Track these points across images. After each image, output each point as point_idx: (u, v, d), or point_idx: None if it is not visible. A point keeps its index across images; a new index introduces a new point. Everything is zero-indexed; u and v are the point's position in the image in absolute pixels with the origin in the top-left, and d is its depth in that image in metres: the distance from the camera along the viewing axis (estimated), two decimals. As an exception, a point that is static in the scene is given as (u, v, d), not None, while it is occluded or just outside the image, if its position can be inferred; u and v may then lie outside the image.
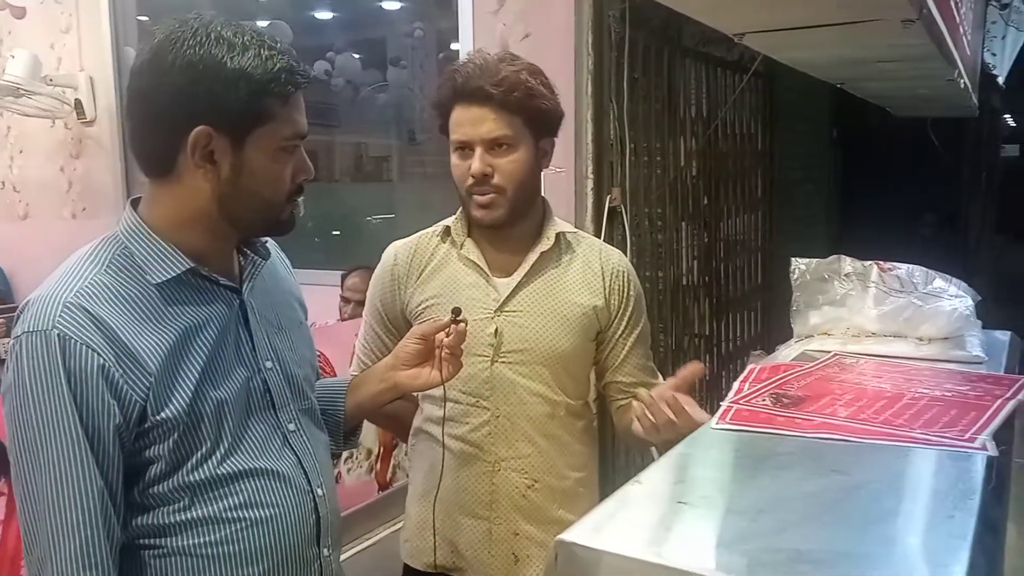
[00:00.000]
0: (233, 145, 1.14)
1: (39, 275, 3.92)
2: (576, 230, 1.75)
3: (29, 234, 4.19)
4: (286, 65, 1.15)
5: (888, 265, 1.36)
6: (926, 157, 4.69)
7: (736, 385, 1.06)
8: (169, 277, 1.16)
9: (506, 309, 1.62)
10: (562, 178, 2.93)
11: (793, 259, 1.45)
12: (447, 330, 1.43)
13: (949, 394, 1.01)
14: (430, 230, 1.72)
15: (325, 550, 1.31)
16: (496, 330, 1.61)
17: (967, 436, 0.86)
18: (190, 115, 1.11)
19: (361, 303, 3.21)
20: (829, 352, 1.23)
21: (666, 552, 0.64)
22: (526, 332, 1.61)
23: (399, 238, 1.76)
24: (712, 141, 3.70)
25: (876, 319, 1.30)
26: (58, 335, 1.06)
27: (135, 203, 1.23)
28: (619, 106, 2.99)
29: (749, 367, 1.14)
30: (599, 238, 2.93)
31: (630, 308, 1.71)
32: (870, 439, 0.87)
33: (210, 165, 1.14)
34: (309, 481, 1.28)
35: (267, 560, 1.21)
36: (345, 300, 3.25)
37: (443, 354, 1.43)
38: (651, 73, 3.20)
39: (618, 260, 1.72)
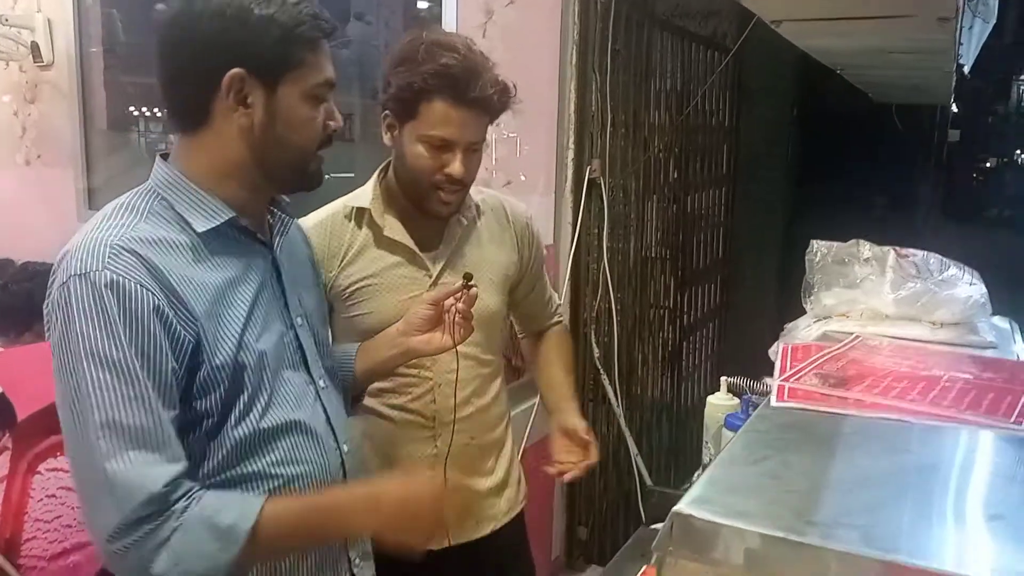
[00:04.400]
0: (266, 89, 1.15)
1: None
2: (481, 189, 1.77)
3: (-21, 180, 4.03)
4: (312, 12, 1.17)
5: (904, 251, 1.42)
6: (882, 139, 4.84)
7: (777, 364, 1.11)
8: (213, 226, 1.15)
9: (440, 282, 1.63)
10: (543, 149, 2.94)
11: (814, 241, 1.50)
12: (458, 295, 1.45)
13: (979, 379, 1.07)
14: (337, 209, 1.68)
15: None
16: None
17: (1013, 419, 0.92)
18: (223, 59, 1.12)
19: None
20: (851, 334, 1.29)
21: (779, 524, 0.68)
22: None
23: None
24: (684, 116, 3.75)
25: (893, 303, 1.36)
26: (110, 275, 1.04)
27: (164, 157, 1.21)
28: (601, 78, 3.01)
29: (781, 345, 1.18)
30: (578, 209, 2.98)
31: (536, 255, 1.80)
32: (926, 420, 0.92)
33: (244, 109, 1.14)
34: (336, 438, 1.30)
35: None
36: None
37: (456, 319, 1.46)
38: (631, 45, 3.22)
39: (523, 211, 1.80)
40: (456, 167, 1.53)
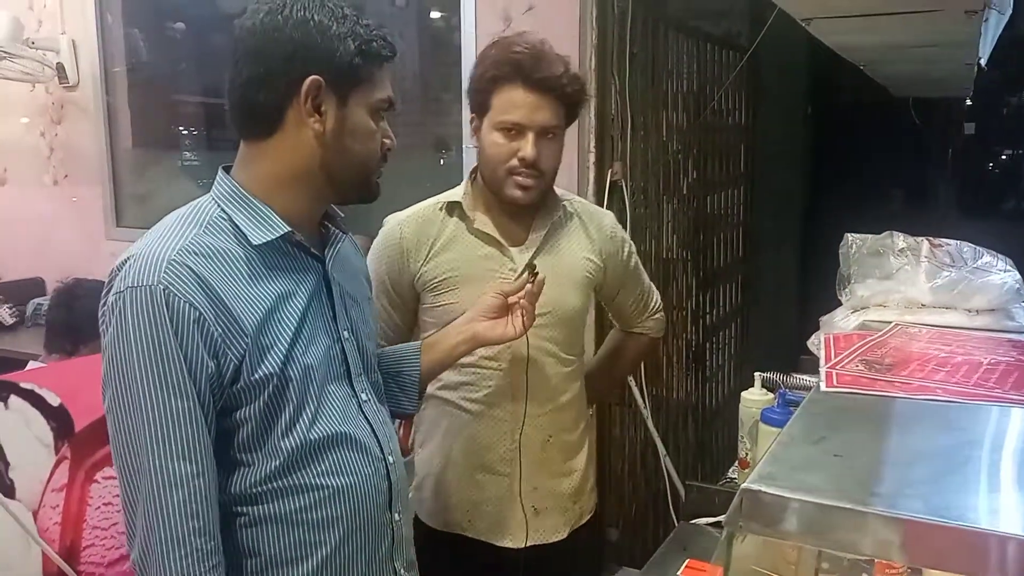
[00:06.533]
0: (339, 100, 1.20)
1: (18, 241, 3.85)
2: (570, 195, 1.85)
3: (7, 200, 4.10)
4: (380, 33, 1.23)
5: (938, 241, 1.45)
6: (897, 134, 4.85)
7: (822, 352, 1.14)
8: (269, 239, 1.19)
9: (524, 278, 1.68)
10: (565, 152, 2.97)
11: (847, 234, 1.54)
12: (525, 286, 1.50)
13: (1020, 360, 1.10)
14: (431, 204, 1.76)
15: (396, 515, 1.35)
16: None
17: (1057, 397, 0.95)
18: (303, 66, 1.17)
19: None
20: (890, 322, 1.32)
21: (846, 496, 0.71)
22: (545, 297, 1.67)
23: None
24: (702, 117, 3.78)
25: (929, 292, 1.40)
26: (163, 290, 1.08)
27: (226, 169, 1.26)
28: (620, 81, 3.04)
29: (824, 335, 1.22)
30: (600, 212, 3.01)
31: (620, 263, 1.84)
32: (974, 401, 0.95)
33: (318, 116, 1.19)
34: (381, 448, 1.32)
35: (344, 526, 1.24)
36: None
37: (523, 306, 1.50)
38: (649, 48, 3.25)
39: (609, 221, 1.85)
40: (528, 150, 1.58)
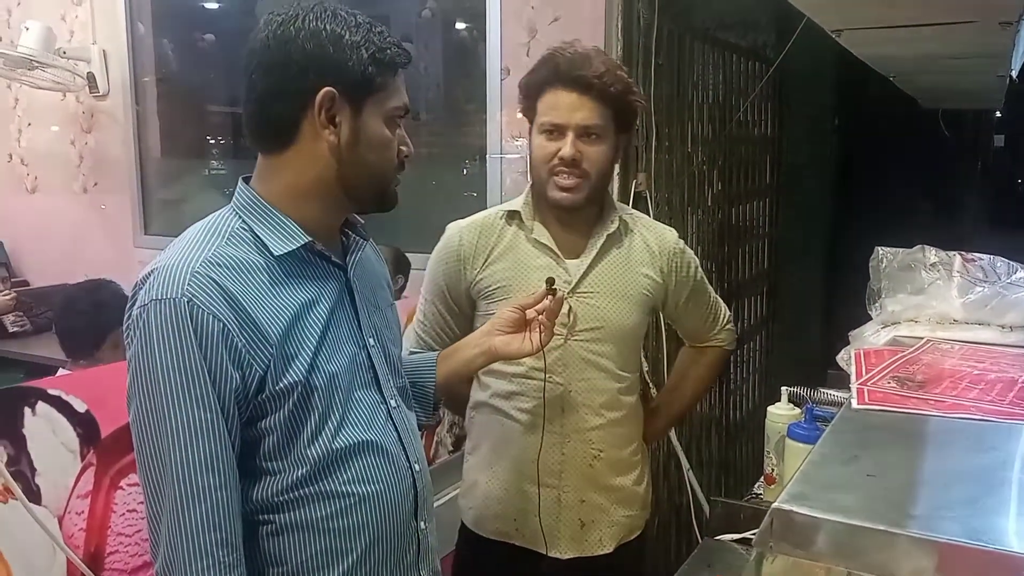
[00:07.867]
0: (353, 110, 1.19)
1: (48, 248, 3.93)
2: (632, 211, 1.84)
3: (38, 208, 4.15)
4: (394, 41, 1.23)
5: (970, 256, 1.43)
6: (925, 146, 4.79)
7: (853, 368, 1.12)
8: (290, 249, 1.19)
9: (579, 290, 1.69)
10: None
11: (878, 247, 1.51)
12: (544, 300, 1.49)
13: (1057, 378, 1.08)
14: (492, 212, 1.77)
15: (422, 523, 1.34)
16: (570, 309, 1.67)
17: (1095, 417, 0.93)
18: (317, 78, 1.16)
19: None
20: (921, 338, 1.30)
21: (880, 517, 0.70)
22: (598, 311, 1.69)
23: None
24: (728, 128, 3.75)
25: (961, 307, 1.37)
26: (188, 302, 1.08)
27: (246, 180, 1.26)
28: (645, 92, 3.03)
29: (852, 351, 1.20)
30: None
31: (685, 279, 1.82)
32: (1009, 420, 0.93)
33: (332, 128, 1.18)
34: (407, 456, 1.32)
35: (369, 534, 1.24)
36: None
37: (542, 322, 1.48)
38: (674, 59, 3.24)
39: (673, 237, 1.82)
40: (566, 149, 1.58)
